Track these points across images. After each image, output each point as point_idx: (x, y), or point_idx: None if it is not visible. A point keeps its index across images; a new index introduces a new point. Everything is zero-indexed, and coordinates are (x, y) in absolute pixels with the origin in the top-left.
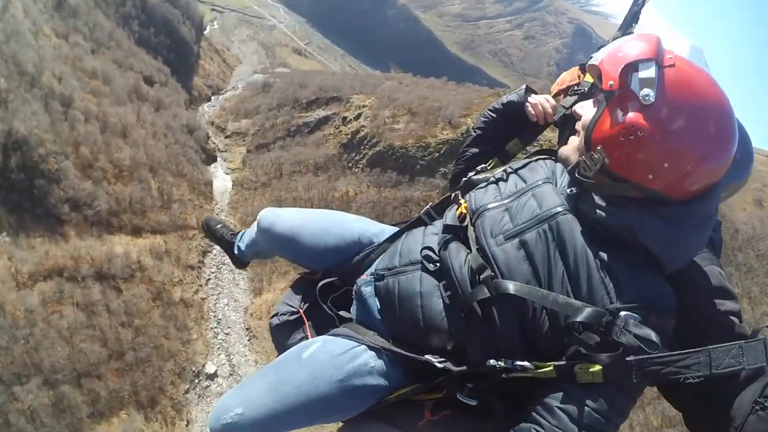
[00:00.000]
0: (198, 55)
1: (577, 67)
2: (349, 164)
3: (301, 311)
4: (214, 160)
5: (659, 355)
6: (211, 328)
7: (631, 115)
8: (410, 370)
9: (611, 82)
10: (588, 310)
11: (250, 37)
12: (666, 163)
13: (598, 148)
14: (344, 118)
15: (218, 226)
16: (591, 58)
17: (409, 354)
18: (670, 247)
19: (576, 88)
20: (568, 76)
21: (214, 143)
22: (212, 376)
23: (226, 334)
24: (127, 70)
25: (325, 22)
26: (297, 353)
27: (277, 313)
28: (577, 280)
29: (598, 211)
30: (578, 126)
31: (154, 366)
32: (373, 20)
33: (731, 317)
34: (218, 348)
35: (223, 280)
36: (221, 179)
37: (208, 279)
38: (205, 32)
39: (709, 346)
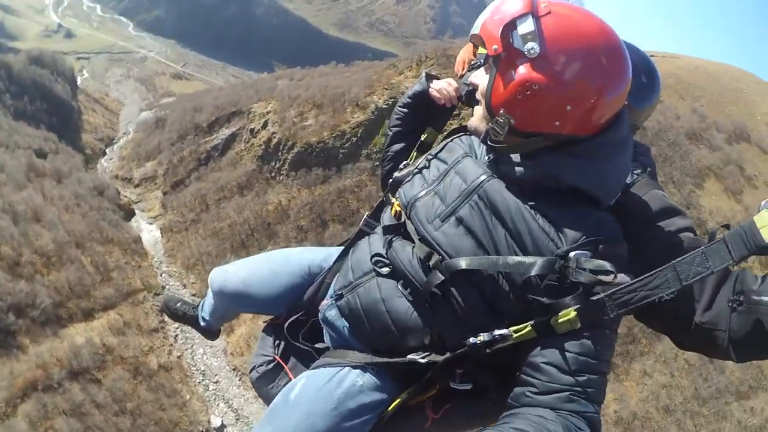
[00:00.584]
0: (79, 111)
1: (471, 43)
2: (272, 174)
3: (277, 357)
4: (133, 213)
5: (627, 283)
6: (199, 382)
7: (521, 71)
8: (399, 376)
9: (495, 46)
10: (539, 262)
11: (124, 75)
12: (568, 107)
13: (501, 111)
14: (252, 130)
15: (178, 305)
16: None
17: (391, 360)
18: (596, 179)
19: (473, 62)
20: (465, 53)
21: (126, 197)
22: (220, 429)
23: (216, 382)
24: (14, 149)
25: (194, 38)
26: (284, 397)
27: (254, 366)
28: (520, 237)
29: (517, 168)
30: (478, 95)
31: None
32: (243, 23)
33: (684, 233)
34: (214, 399)
35: (190, 331)
36: (147, 231)
37: (176, 336)
38: (78, 84)
39: (673, 261)
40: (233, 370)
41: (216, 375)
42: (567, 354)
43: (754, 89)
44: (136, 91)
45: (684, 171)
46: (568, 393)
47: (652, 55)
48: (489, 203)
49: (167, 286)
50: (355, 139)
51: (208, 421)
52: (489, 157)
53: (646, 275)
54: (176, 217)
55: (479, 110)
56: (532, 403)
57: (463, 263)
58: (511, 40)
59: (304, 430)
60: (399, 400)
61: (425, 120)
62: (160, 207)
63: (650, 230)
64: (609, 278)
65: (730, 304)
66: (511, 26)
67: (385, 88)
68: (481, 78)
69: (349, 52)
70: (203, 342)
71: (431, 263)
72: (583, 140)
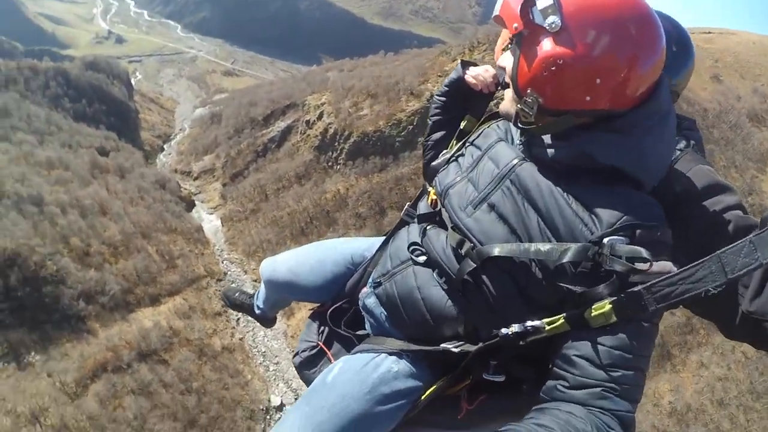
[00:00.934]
0: (136, 110)
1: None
2: (329, 164)
3: (320, 343)
4: (193, 205)
5: (667, 275)
6: (260, 363)
7: (545, 47)
8: (434, 365)
9: (515, 24)
10: (572, 249)
11: (176, 75)
12: (598, 80)
13: (528, 91)
14: (308, 122)
15: (236, 294)
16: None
17: (426, 348)
18: (634, 156)
19: (507, 46)
20: (501, 40)
21: (186, 189)
22: (280, 408)
23: (276, 363)
24: (77, 149)
25: (241, 35)
26: (322, 379)
27: (298, 351)
28: (553, 222)
29: (550, 150)
30: (506, 78)
31: (226, 419)
32: (288, 18)
33: (732, 211)
34: (274, 379)
35: None
36: (207, 221)
37: (238, 319)
38: (133, 85)
39: (718, 252)
40: (293, 352)
41: (276, 357)
42: (600, 347)
43: None
44: (189, 90)
45: (746, 155)
46: (600, 389)
47: (708, 32)
48: (521, 188)
49: (229, 272)
50: (411, 127)
51: (269, 400)
52: (521, 140)
53: (688, 266)
54: (236, 207)
55: (509, 93)
56: (564, 398)
57: (494, 250)
58: (531, 17)
59: (338, 411)
60: (434, 388)
61: (464, 108)
62: (220, 198)
63: (694, 209)
64: (645, 266)
65: (716, 291)
66: (530, 3)
67: (439, 75)
68: (507, 60)
69: (395, 41)
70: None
71: (463, 251)
72: (620, 115)
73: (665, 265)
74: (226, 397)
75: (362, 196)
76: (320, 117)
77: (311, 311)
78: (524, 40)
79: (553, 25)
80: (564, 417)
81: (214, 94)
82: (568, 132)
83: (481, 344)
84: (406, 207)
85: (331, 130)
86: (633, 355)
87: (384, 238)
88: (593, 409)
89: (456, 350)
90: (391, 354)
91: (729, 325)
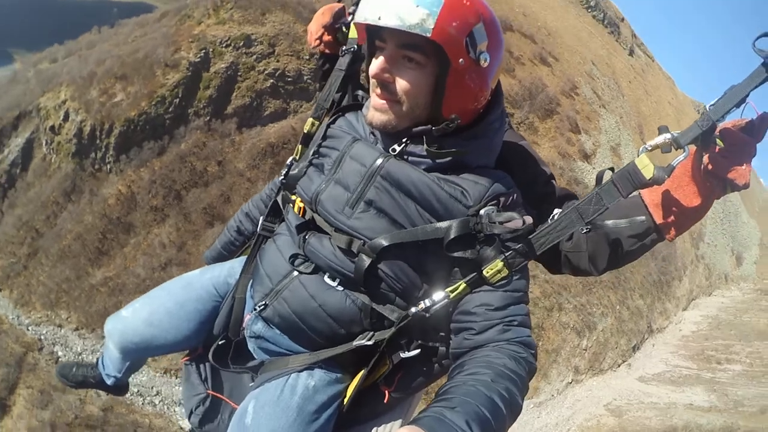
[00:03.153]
0: None
1: (327, 16)
2: (97, 166)
3: (210, 391)
4: None
5: (541, 229)
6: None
7: (477, 80)
8: (346, 364)
9: (461, 59)
10: (454, 224)
11: None
12: (490, 86)
13: (453, 116)
14: (52, 128)
15: (74, 370)
16: (374, 18)
17: (337, 351)
18: (493, 153)
19: (344, 48)
20: (318, 25)
21: None
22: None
23: (157, 394)
24: None
25: None
26: (239, 426)
27: (191, 411)
28: (431, 206)
29: (425, 156)
30: (402, 96)
31: None
32: None
33: (552, 182)
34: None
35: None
36: None
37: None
38: None
39: (575, 204)
40: (164, 373)
41: (153, 388)
42: (496, 294)
43: None
44: None
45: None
46: (502, 325)
47: None
48: (393, 181)
49: (43, 337)
50: (177, 100)
51: (180, 428)
52: (403, 143)
53: (555, 220)
54: (6, 260)
55: (399, 107)
56: (473, 345)
57: (384, 241)
58: (474, 54)
59: None
60: (354, 383)
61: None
62: None
63: (531, 174)
64: (519, 225)
65: (583, 230)
66: (472, 40)
67: (191, 41)
68: (409, 79)
69: (93, 14)
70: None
71: (355, 249)
72: (479, 122)
73: (528, 220)
74: None
75: (151, 188)
76: (66, 118)
77: (183, 361)
78: (458, 71)
79: (485, 63)
80: (483, 360)
81: None
82: (442, 138)
83: (393, 329)
84: (261, 221)
85: (87, 129)
86: (521, 292)
87: (244, 258)
88: (502, 342)
89: (370, 342)
90: (301, 371)
91: (556, 264)
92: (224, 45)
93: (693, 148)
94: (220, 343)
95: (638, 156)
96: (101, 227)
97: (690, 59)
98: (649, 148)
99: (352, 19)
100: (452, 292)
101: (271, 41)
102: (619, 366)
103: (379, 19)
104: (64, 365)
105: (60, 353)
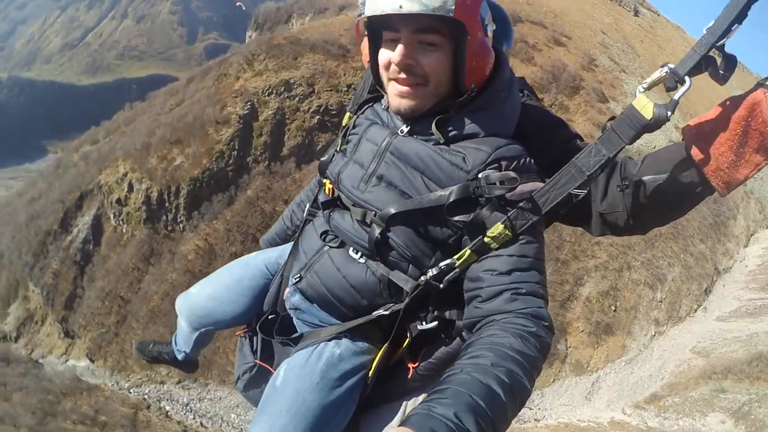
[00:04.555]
0: None
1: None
2: (170, 228)
3: (257, 361)
4: (40, 366)
5: (539, 188)
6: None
7: (488, 46)
8: (372, 337)
9: (479, 32)
10: (455, 189)
11: None
12: (491, 60)
13: (472, 86)
14: (118, 201)
15: (150, 346)
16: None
17: (359, 321)
18: (502, 122)
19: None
20: (363, 45)
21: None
22: None
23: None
24: None
25: None
26: (271, 387)
27: (238, 377)
28: (435, 175)
29: (436, 133)
30: (429, 76)
31: None
32: None
33: (576, 139)
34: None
35: None
36: (74, 370)
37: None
38: None
39: (573, 159)
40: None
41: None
42: (500, 258)
43: None
44: None
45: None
46: (510, 293)
47: None
48: (401, 156)
49: (146, 396)
50: (235, 152)
51: None
52: (408, 123)
53: (552, 177)
54: (95, 331)
55: (424, 89)
56: (483, 314)
57: (393, 209)
58: (483, 27)
59: (297, 409)
60: (379, 355)
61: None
62: (64, 337)
63: (548, 135)
64: (516, 184)
65: (618, 189)
66: (482, 15)
67: (235, 97)
68: (432, 59)
69: (113, 93)
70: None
71: (368, 220)
72: (482, 93)
73: (535, 185)
74: None
75: (228, 236)
76: (131, 189)
77: (238, 335)
78: (469, 44)
79: (491, 32)
80: (487, 340)
81: None
82: (457, 110)
83: (407, 299)
84: (307, 207)
85: (155, 194)
86: (528, 257)
87: (293, 242)
88: (508, 315)
89: (387, 312)
90: (330, 340)
91: (592, 225)
92: (266, 94)
93: (756, 97)
94: (269, 317)
95: (636, 96)
96: (186, 282)
97: (693, 2)
98: (646, 86)
99: (361, 15)
100: (459, 259)
101: (308, 81)
102: (695, 311)
103: (401, 7)
104: (142, 342)
105: (167, 407)
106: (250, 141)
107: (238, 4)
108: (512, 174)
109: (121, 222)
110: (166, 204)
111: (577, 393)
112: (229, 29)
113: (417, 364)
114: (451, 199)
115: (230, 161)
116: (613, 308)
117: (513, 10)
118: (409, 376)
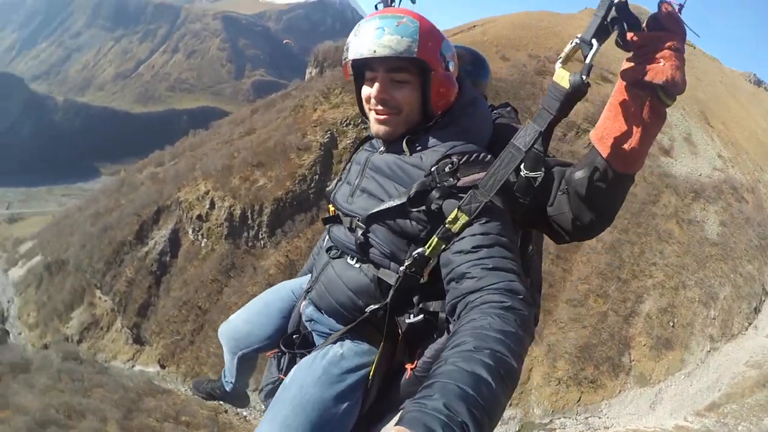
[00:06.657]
0: None
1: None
2: (250, 244)
3: (281, 375)
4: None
5: (488, 171)
6: None
7: (449, 81)
8: (372, 338)
9: (440, 69)
10: (415, 185)
11: None
12: (456, 84)
13: (439, 112)
14: (199, 216)
15: (205, 384)
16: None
17: (357, 320)
18: (468, 137)
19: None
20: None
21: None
22: None
23: None
24: None
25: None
26: (281, 386)
27: (262, 389)
28: (401, 179)
29: (411, 149)
30: (401, 107)
31: None
32: (46, 134)
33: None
34: None
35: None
36: (149, 379)
37: None
38: None
39: (511, 140)
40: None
41: None
42: (463, 240)
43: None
44: None
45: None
46: (477, 268)
47: (473, 26)
48: (376, 168)
49: (221, 402)
50: (316, 176)
51: None
52: (385, 145)
53: (497, 158)
54: (168, 338)
55: (398, 118)
56: (458, 294)
57: (369, 212)
58: (443, 63)
59: (299, 401)
60: (378, 355)
61: None
62: (133, 343)
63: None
64: (468, 172)
65: (561, 192)
66: (441, 50)
67: (314, 126)
68: (403, 93)
69: (164, 122)
70: None
71: (353, 226)
72: (448, 113)
73: (480, 175)
74: None
75: (309, 253)
76: (212, 206)
77: (269, 356)
78: (434, 79)
79: (453, 67)
80: (468, 326)
81: (15, 248)
82: (426, 131)
83: (392, 291)
84: (325, 233)
85: (237, 212)
86: (491, 234)
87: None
88: (483, 293)
89: (377, 306)
90: (334, 343)
91: (552, 233)
92: (345, 125)
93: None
94: (293, 336)
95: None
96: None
97: (729, 36)
98: (562, 59)
99: (346, 59)
100: (428, 247)
101: None
102: (746, 329)
103: (375, 52)
104: (198, 380)
105: (245, 413)
106: (330, 167)
107: (285, 41)
108: (454, 159)
109: (200, 236)
110: (249, 221)
111: (642, 403)
112: (275, 67)
113: (414, 364)
114: (411, 194)
115: (312, 184)
116: (671, 324)
117: (553, 51)
118: (407, 377)
